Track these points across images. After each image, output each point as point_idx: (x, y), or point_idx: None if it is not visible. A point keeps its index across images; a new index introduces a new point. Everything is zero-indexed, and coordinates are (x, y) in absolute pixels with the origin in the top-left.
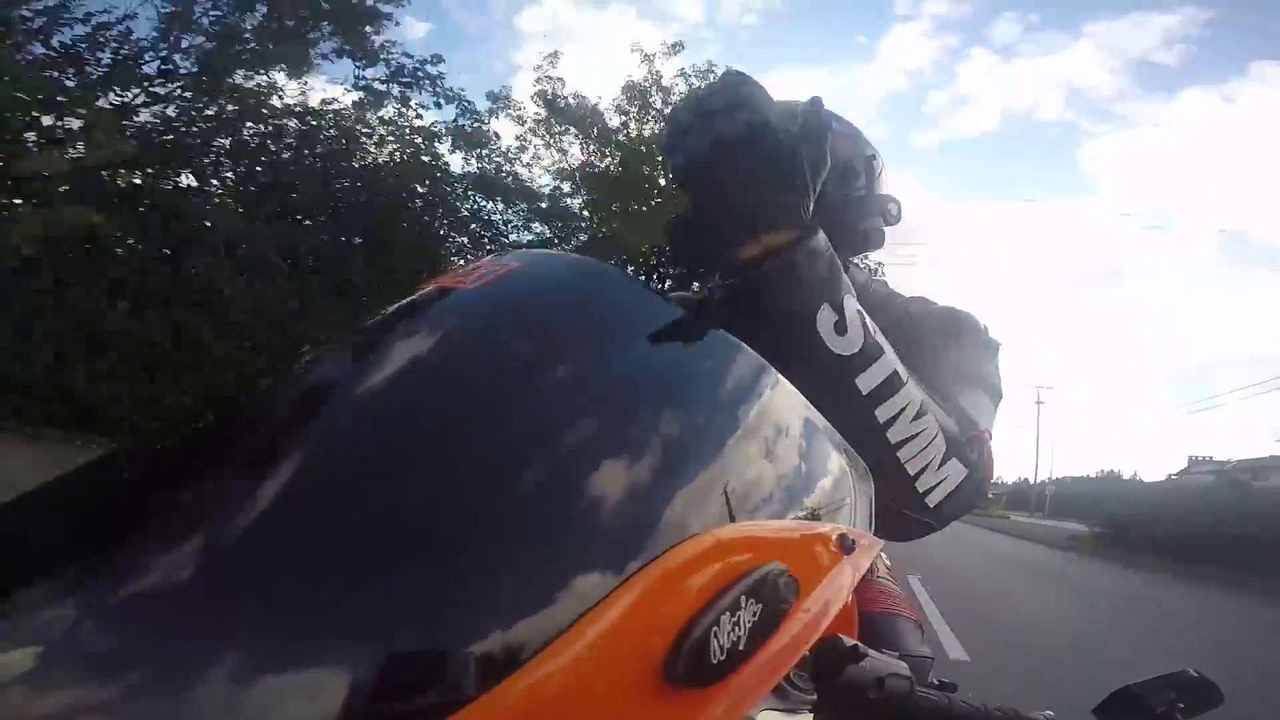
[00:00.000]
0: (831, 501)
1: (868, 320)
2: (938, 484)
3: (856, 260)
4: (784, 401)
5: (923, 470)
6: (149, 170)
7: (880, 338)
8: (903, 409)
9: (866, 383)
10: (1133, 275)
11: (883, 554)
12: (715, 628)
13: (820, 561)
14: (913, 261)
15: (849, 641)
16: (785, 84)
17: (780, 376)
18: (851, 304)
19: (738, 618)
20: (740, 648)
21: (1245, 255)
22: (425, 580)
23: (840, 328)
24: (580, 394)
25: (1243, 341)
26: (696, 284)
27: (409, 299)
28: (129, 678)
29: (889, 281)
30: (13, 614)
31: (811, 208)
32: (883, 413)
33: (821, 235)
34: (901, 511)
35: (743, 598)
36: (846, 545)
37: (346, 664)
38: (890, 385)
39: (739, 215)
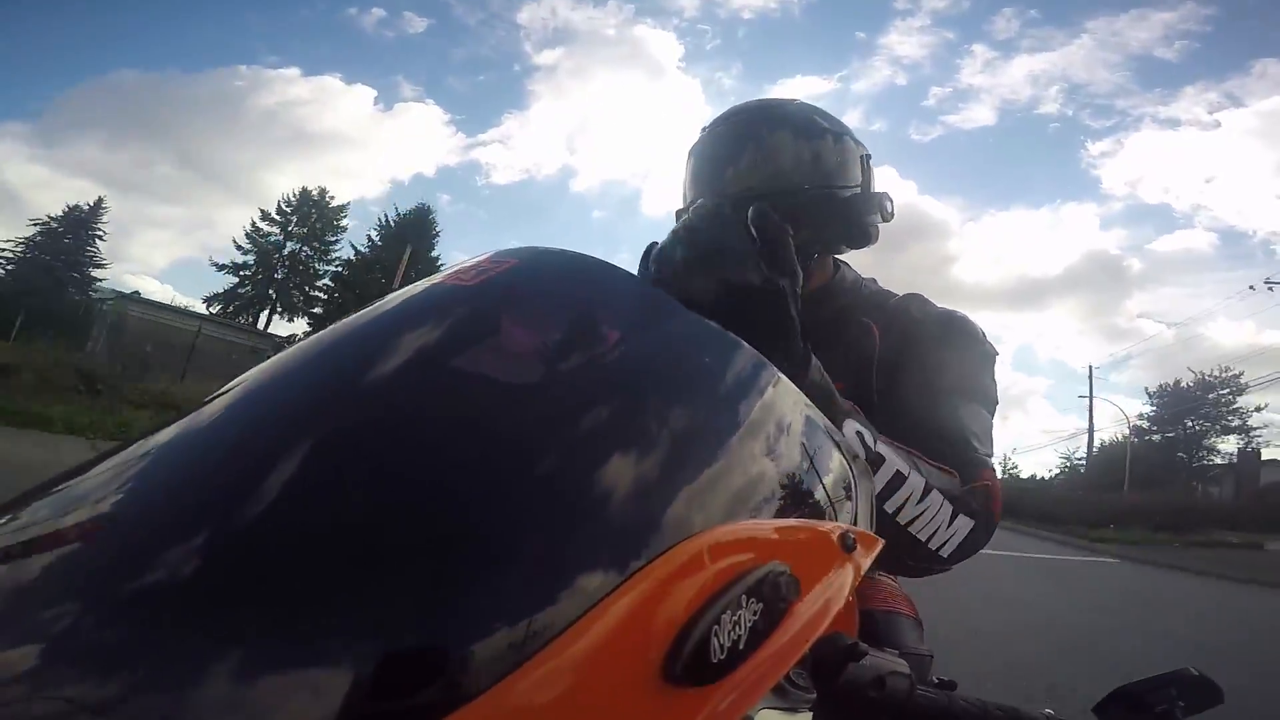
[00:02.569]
0: (833, 500)
1: (867, 437)
2: (948, 539)
3: (846, 260)
4: (785, 399)
5: (933, 534)
6: None
7: (882, 447)
8: (908, 498)
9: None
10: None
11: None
12: (716, 626)
13: (821, 560)
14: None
15: (849, 640)
16: (786, 81)
17: (780, 374)
18: (851, 428)
19: (738, 616)
20: (741, 646)
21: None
22: (425, 578)
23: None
24: (580, 391)
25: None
26: None
27: (407, 295)
28: (129, 677)
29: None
30: (13, 613)
31: (800, 343)
32: (891, 505)
33: (815, 365)
34: (915, 566)
35: (744, 596)
36: (848, 544)
37: (345, 662)
38: (893, 484)
39: None
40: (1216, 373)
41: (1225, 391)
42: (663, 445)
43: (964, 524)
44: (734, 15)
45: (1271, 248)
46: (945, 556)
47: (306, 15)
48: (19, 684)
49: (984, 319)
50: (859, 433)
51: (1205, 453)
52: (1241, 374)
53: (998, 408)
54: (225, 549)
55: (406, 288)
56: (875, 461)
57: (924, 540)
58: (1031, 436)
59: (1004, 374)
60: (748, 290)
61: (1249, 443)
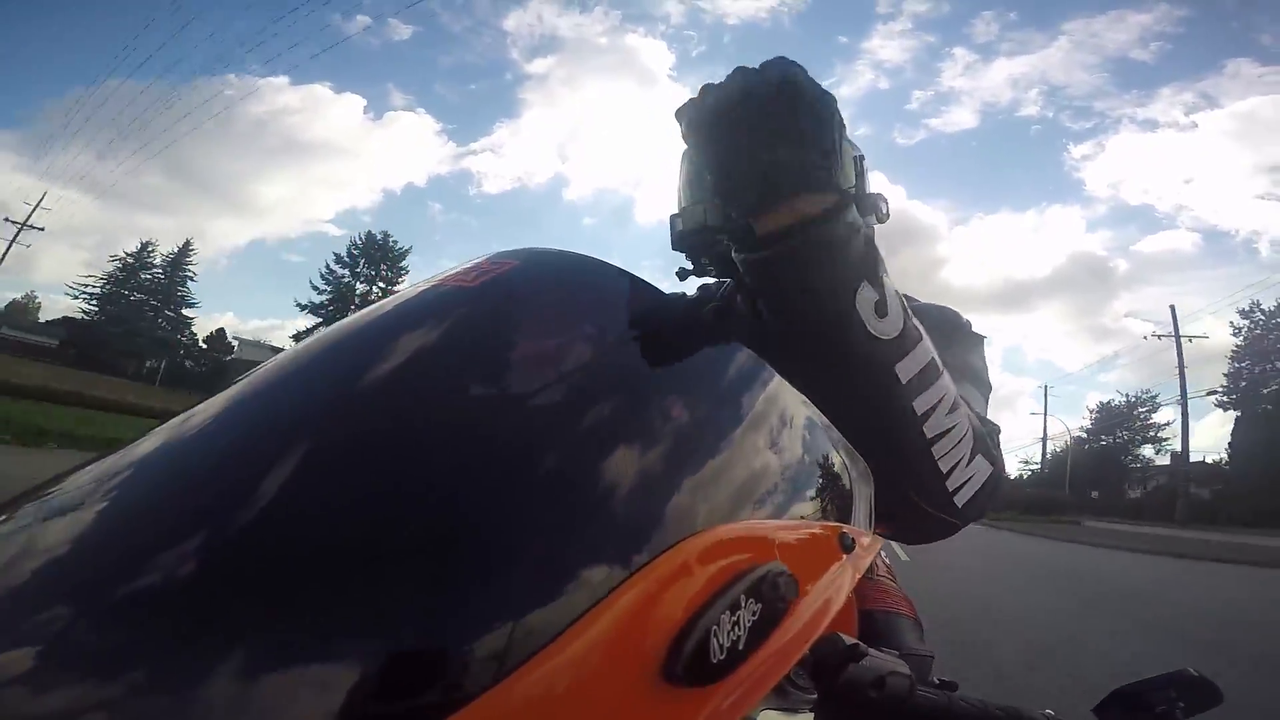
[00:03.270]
0: (832, 500)
1: (905, 302)
2: (965, 482)
3: None
4: (783, 399)
5: (953, 468)
6: None
7: (917, 321)
8: (939, 400)
9: (906, 370)
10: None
11: (882, 553)
12: (715, 627)
13: (820, 560)
14: None
15: (849, 640)
16: None
17: (778, 374)
18: (890, 283)
19: (738, 617)
20: (740, 647)
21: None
22: (424, 578)
23: (881, 309)
24: (579, 392)
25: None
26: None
27: (407, 297)
28: (128, 677)
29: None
30: (13, 614)
31: (837, 174)
32: (920, 404)
33: (855, 207)
34: (927, 510)
35: (743, 597)
36: (846, 544)
37: (346, 663)
38: (928, 374)
39: (766, 175)
40: (1138, 394)
41: (1143, 410)
42: (662, 445)
43: (982, 468)
44: (719, 21)
45: (1253, 245)
46: (959, 506)
47: (292, 23)
48: (19, 685)
49: (973, 321)
50: (898, 292)
51: (1132, 458)
52: (1157, 395)
53: (990, 393)
54: (224, 550)
55: (406, 289)
56: (912, 336)
57: (943, 471)
58: (1021, 438)
59: (993, 375)
60: (800, 81)
61: (1159, 449)
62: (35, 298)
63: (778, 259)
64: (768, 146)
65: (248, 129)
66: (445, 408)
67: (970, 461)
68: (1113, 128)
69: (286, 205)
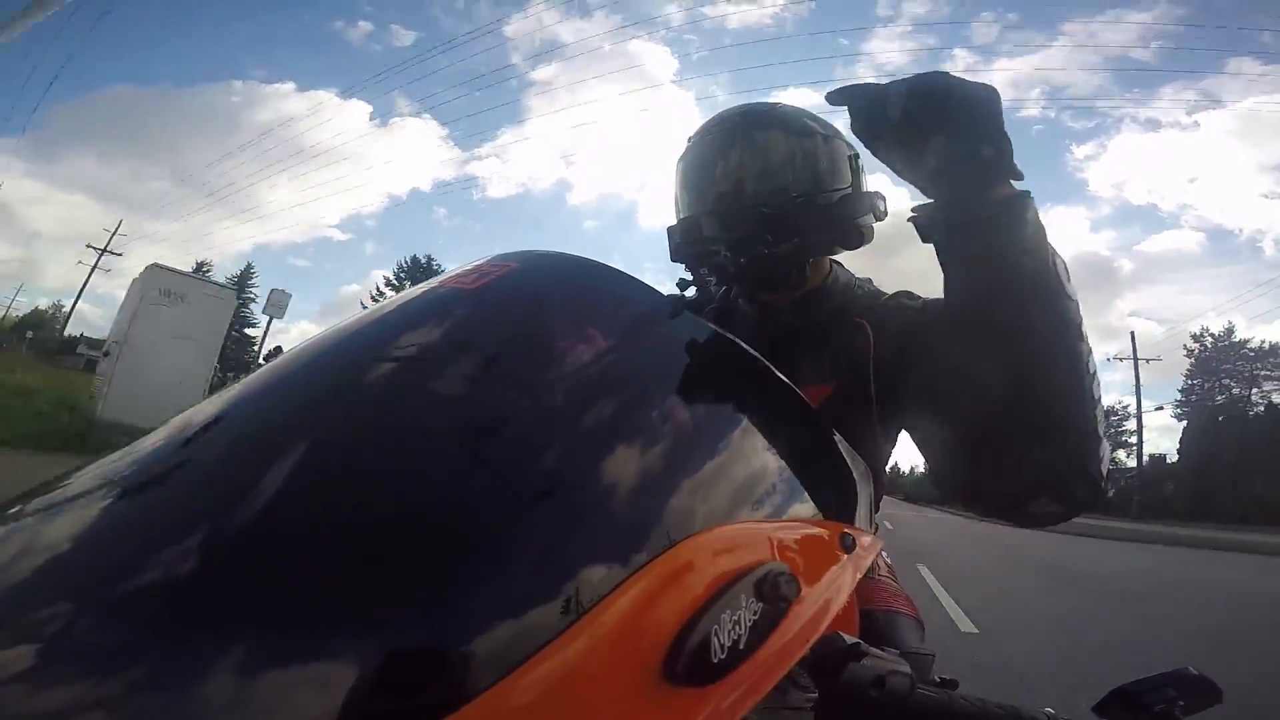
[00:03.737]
0: (833, 500)
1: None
2: (1104, 454)
3: (841, 260)
4: (784, 399)
5: (1102, 437)
6: None
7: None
8: (1096, 368)
9: (1084, 330)
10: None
11: (883, 552)
12: (716, 626)
13: (821, 560)
14: None
15: (849, 639)
16: (779, 94)
17: (780, 374)
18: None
19: (739, 616)
20: (741, 646)
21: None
22: (427, 577)
23: (1067, 274)
24: (580, 392)
25: None
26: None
27: (408, 299)
28: (128, 676)
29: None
30: (13, 614)
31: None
32: (1090, 364)
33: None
34: (1094, 477)
35: (744, 596)
36: (847, 544)
37: (347, 661)
38: (1087, 338)
39: (993, 161)
40: (1110, 404)
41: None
42: (663, 446)
43: (1107, 446)
44: (720, 26)
45: (1257, 245)
46: (1103, 474)
47: (295, 29)
48: (20, 683)
49: None
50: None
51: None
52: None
53: None
54: (226, 549)
55: (407, 291)
56: (1089, 348)
57: (1100, 436)
58: None
59: None
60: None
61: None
62: (62, 305)
63: (1004, 216)
64: (989, 138)
65: (253, 134)
66: (445, 409)
67: (1104, 436)
68: (1115, 127)
69: (291, 210)
